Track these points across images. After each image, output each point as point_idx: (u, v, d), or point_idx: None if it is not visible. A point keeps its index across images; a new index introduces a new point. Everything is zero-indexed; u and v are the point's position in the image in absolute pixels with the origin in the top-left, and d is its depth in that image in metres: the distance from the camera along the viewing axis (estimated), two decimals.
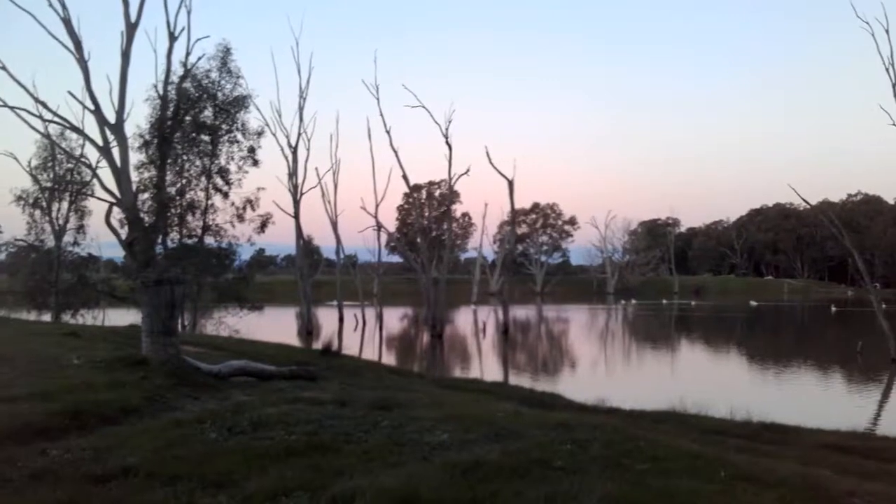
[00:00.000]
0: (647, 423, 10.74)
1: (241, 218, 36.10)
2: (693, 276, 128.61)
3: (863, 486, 6.36)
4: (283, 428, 6.97)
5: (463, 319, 58.22)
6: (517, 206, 50.00)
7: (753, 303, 76.81)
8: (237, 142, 36.50)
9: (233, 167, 36.26)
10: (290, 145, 42.53)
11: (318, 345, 25.06)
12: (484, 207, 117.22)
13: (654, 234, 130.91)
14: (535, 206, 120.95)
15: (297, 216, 42.02)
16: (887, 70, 28.60)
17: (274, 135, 42.30)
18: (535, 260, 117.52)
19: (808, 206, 57.79)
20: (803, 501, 5.30)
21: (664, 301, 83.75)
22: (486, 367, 27.72)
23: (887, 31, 28.51)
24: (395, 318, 54.91)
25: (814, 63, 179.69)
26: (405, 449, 6.41)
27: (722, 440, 9.43)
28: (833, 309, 66.09)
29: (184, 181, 35.12)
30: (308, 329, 39.54)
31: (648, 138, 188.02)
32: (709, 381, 24.98)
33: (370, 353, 30.56)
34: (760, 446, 9.47)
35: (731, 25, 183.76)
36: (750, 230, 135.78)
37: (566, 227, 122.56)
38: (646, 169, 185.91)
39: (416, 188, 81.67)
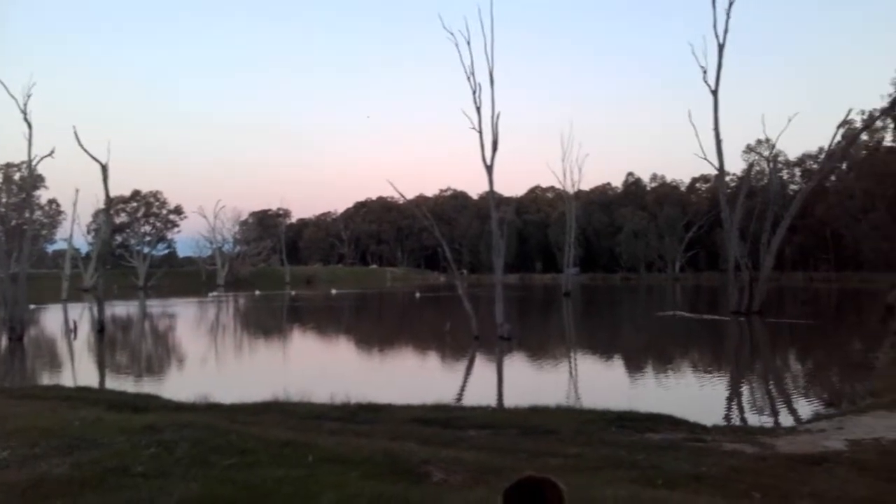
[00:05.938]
0: (247, 415, 10.62)
1: None
2: (305, 266, 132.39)
3: (439, 454, 6.97)
4: None
5: (51, 319, 52.18)
6: (115, 193, 46.21)
7: (333, 291, 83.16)
8: None
9: None
10: None
11: None
12: (75, 194, 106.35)
13: (265, 224, 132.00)
14: (136, 193, 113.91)
15: None
16: (468, 78, 32.14)
17: None
18: (136, 252, 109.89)
19: (405, 200, 62.88)
20: (384, 475, 5.60)
21: (257, 292, 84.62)
22: (78, 371, 25.12)
23: (469, 43, 31.95)
24: None
25: (413, 64, 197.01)
26: None
27: (318, 424, 9.69)
28: (417, 295, 72.74)
29: None
30: None
31: (261, 128, 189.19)
32: (314, 368, 25.78)
33: None
34: (355, 426, 9.93)
35: (334, 35, 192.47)
36: (356, 222, 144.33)
37: (171, 217, 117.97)
38: (256, 159, 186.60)
39: None
